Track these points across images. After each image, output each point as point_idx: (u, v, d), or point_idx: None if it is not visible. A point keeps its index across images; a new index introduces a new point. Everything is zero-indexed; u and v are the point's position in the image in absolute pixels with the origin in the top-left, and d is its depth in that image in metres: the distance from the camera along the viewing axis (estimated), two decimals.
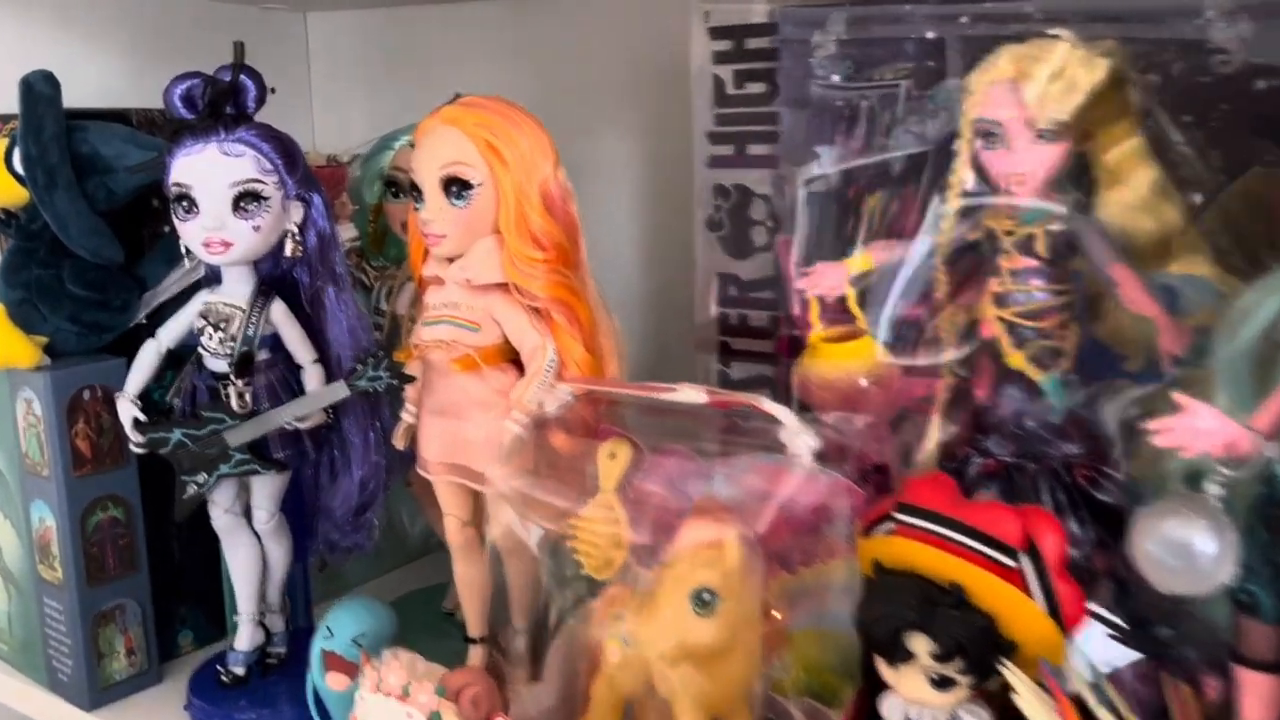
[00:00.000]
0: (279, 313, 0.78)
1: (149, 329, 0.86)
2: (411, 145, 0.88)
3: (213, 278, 0.81)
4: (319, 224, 0.79)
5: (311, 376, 0.79)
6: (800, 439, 0.58)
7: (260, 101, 0.78)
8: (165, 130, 0.78)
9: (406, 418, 0.79)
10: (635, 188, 1.07)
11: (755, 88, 0.69)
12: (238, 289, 0.78)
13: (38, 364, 0.81)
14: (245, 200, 0.74)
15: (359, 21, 1.25)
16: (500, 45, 1.14)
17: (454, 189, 0.71)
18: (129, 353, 0.85)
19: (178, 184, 0.75)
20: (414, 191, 0.74)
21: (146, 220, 0.90)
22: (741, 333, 0.72)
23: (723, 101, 0.71)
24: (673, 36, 0.99)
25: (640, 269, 1.08)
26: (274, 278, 0.80)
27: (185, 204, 0.75)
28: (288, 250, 0.77)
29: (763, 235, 0.69)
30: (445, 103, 0.76)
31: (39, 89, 0.80)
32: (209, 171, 0.74)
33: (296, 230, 0.78)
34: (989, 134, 0.61)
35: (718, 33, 0.69)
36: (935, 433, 0.70)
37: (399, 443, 0.80)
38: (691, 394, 0.65)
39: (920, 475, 0.62)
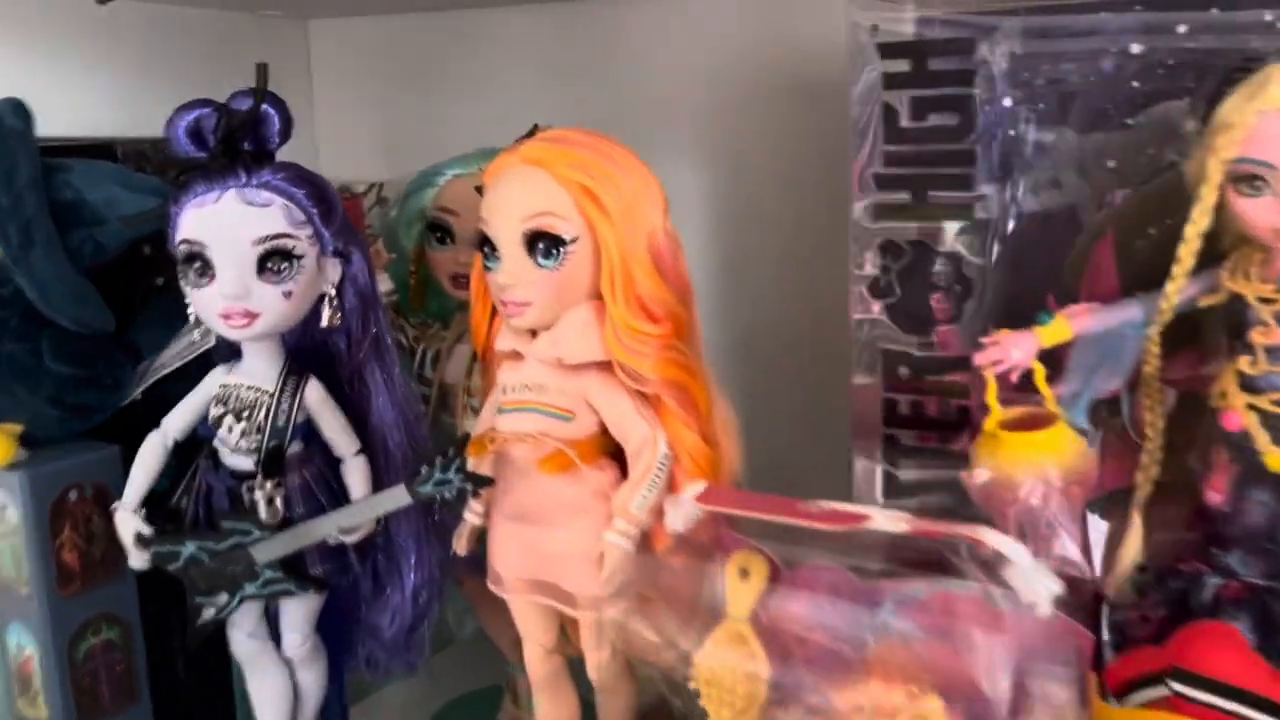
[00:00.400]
0: (315, 397, 0.63)
1: (145, 407, 0.72)
2: (458, 178, 0.74)
3: (227, 350, 0.66)
4: (360, 283, 0.65)
5: (355, 472, 0.64)
6: (1038, 583, 0.45)
7: (285, 135, 0.63)
8: (167, 170, 0.63)
9: (472, 519, 0.65)
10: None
11: (942, 119, 0.55)
12: (262, 368, 0.63)
13: (12, 460, 0.66)
14: (273, 260, 0.60)
15: (368, 30, 1.10)
16: (539, 57, 1.00)
17: (542, 247, 0.57)
18: (123, 437, 0.70)
19: (188, 241, 0.60)
20: (484, 247, 0.60)
21: (137, 272, 0.75)
22: (914, 424, 0.59)
23: (895, 136, 0.57)
24: (800, 47, 0.85)
25: (772, 342, 0.93)
26: (304, 349, 0.65)
27: (198, 266, 0.60)
28: (325, 319, 0.63)
29: (948, 301, 0.56)
30: (523, 136, 0.61)
31: (8, 123, 0.65)
32: (228, 226, 0.59)
33: (335, 293, 0.63)
34: (1253, 178, 0.48)
35: (891, 51, 0.55)
36: (1136, 539, 0.57)
37: (461, 548, 0.66)
38: (886, 521, 0.50)
39: (1197, 627, 0.48)
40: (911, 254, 0.57)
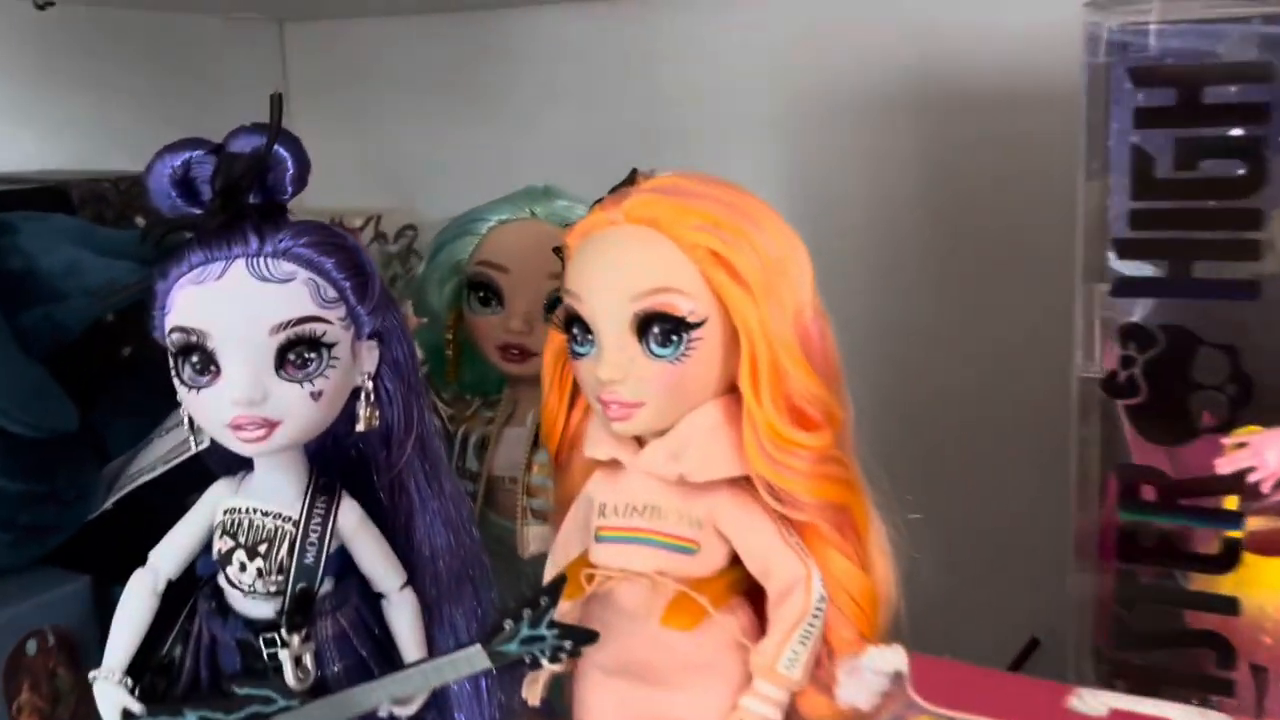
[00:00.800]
0: (351, 521, 0.49)
1: (116, 513, 0.57)
2: (505, 225, 0.60)
3: (230, 456, 0.51)
4: (402, 369, 0.51)
5: (403, 611, 0.50)
6: None
7: (301, 183, 0.49)
8: (134, 218, 0.48)
9: (548, 664, 0.51)
10: None
11: (1219, 167, 0.42)
12: (281, 486, 0.49)
13: None
14: (297, 352, 0.46)
15: (355, 35, 0.95)
16: (563, 64, 0.86)
17: (658, 332, 0.44)
18: (88, 558, 0.56)
19: (184, 330, 0.45)
20: (572, 328, 0.46)
21: (96, 340, 0.60)
22: (1165, 556, 0.46)
23: (1150, 189, 0.44)
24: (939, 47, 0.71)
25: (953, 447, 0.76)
26: (326, 454, 0.51)
27: (196, 361, 0.46)
28: (361, 421, 0.49)
29: (1218, 405, 0.43)
30: (620, 184, 0.48)
31: None
32: (237, 308, 0.45)
33: (371, 385, 0.49)
34: None
35: (1147, 76, 0.42)
36: None
37: (534, 698, 0.52)
38: (1093, 700, 0.38)
39: None
40: (1166, 342, 0.44)
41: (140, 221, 0.66)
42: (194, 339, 0.45)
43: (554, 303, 0.60)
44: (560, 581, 0.45)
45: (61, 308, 0.51)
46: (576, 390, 0.51)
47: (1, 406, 0.49)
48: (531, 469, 0.59)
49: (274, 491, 0.49)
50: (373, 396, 0.49)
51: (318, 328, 0.46)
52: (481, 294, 0.60)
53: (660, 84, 0.82)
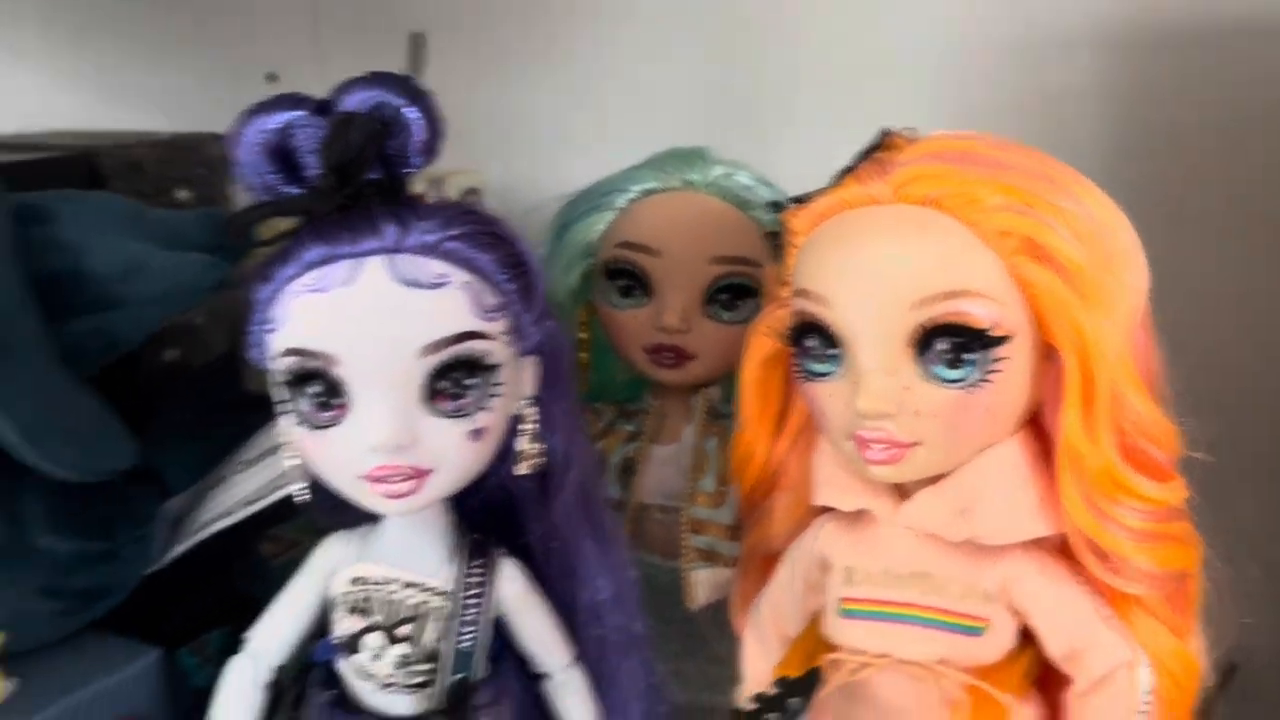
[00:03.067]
0: (515, 589, 0.38)
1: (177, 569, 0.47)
2: (651, 197, 0.49)
3: (337, 501, 0.40)
4: (562, 386, 0.39)
5: (573, 693, 0.40)
6: None
7: (430, 153, 0.37)
8: (243, 217, 0.36)
9: None
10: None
11: None
12: (423, 547, 0.37)
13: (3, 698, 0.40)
14: (454, 378, 0.34)
15: None
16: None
17: (947, 351, 0.33)
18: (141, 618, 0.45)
19: (303, 352, 0.34)
20: (805, 338, 0.35)
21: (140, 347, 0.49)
22: None
23: None
24: None
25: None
26: (463, 501, 0.40)
27: (318, 393, 0.34)
28: (523, 461, 0.38)
29: None
30: (869, 148, 0.36)
31: None
32: (377, 325, 0.34)
33: (533, 412, 0.38)
34: None
35: None
36: None
37: None
38: None
39: None
40: None
41: (183, 195, 0.54)
42: (317, 364, 0.34)
43: (719, 291, 0.48)
44: (814, 676, 0.35)
45: (117, 317, 0.39)
46: (783, 413, 0.40)
47: (46, 448, 0.37)
48: (695, 499, 0.48)
49: (414, 555, 0.38)
50: (535, 426, 0.38)
51: (479, 346, 0.35)
52: (622, 283, 0.49)
53: (782, 20, 0.69)
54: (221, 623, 0.50)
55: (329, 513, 0.41)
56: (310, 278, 0.34)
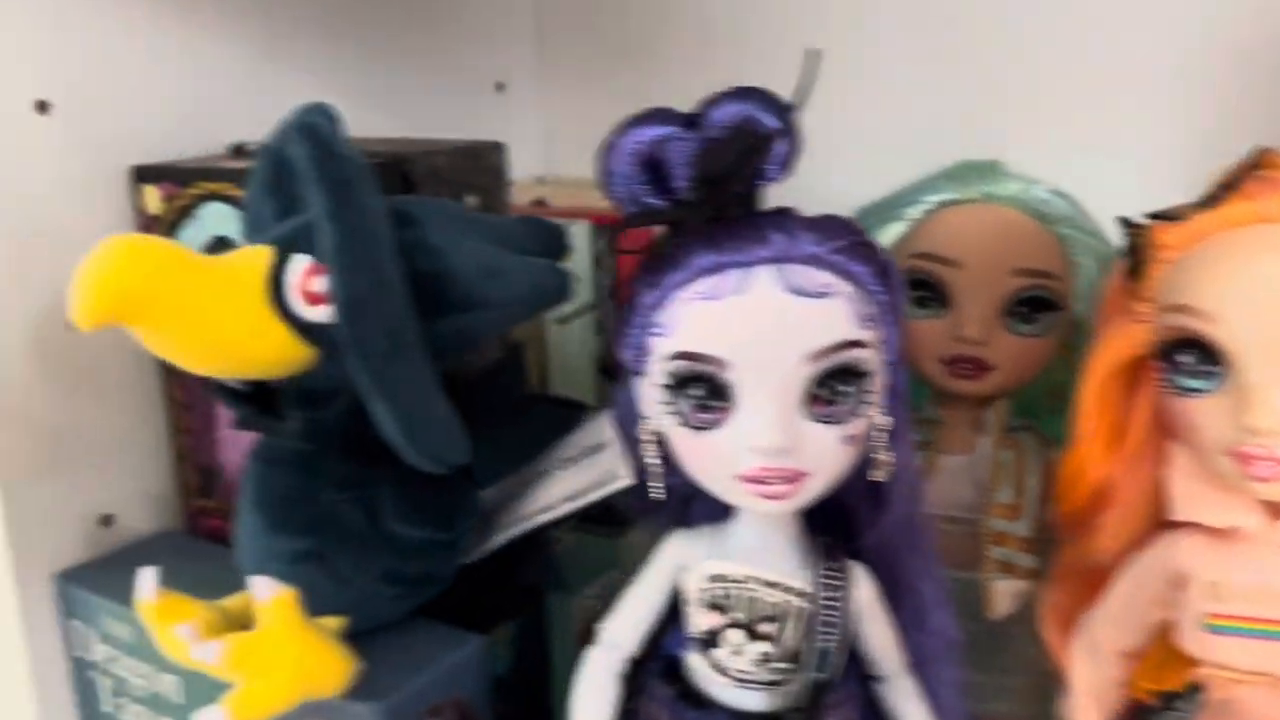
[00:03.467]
0: (867, 594, 0.39)
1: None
2: (949, 208, 0.49)
3: (686, 502, 0.41)
4: (900, 395, 0.40)
5: (907, 695, 0.40)
6: None
7: (789, 167, 0.38)
8: (627, 224, 0.38)
9: None
10: None
11: None
12: (781, 548, 0.39)
13: (347, 681, 0.42)
14: (832, 385, 0.35)
15: None
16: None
17: None
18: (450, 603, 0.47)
19: (695, 356, 0.35)
20: (1180, 355, 0.35)
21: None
22: None
23: None
24: None
25: None
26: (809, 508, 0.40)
27: (702, 394, 0.36)
28: (880, 468, 0.38)
29: None
30: (1246, 165, 0.36)
31: (335, 146, 0.39)
32: (768, 331, 0.35)
33: (888, 421, 0.38)
34: None
35: None
36: None
37: None
38: None
39: None
40: None
41: (471, 201, 0.56)
42: (706, 368, 0.35)
43: (1019, 304, 0.49)
44: (1196, 690, 0.35)
45: (478, 318, 0.41)
46: (1121, 430, 0.41)
47: (421, 441, 0.39)
48: (991, 511, 0.49)
49: (771, 555, 0.39)
50: (889, 435, 0.39)
51: (859, 354, 0.36)
52: (919, 294, 0.49)
53: (1004, 25, 0.69)
54: (515, 613, 0.52)
55: (668, 510, 0.43)
56: (702, 285, 0.35)
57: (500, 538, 0.47)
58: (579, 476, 0.45)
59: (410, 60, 0.73)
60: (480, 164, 0.57)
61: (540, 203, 0.77)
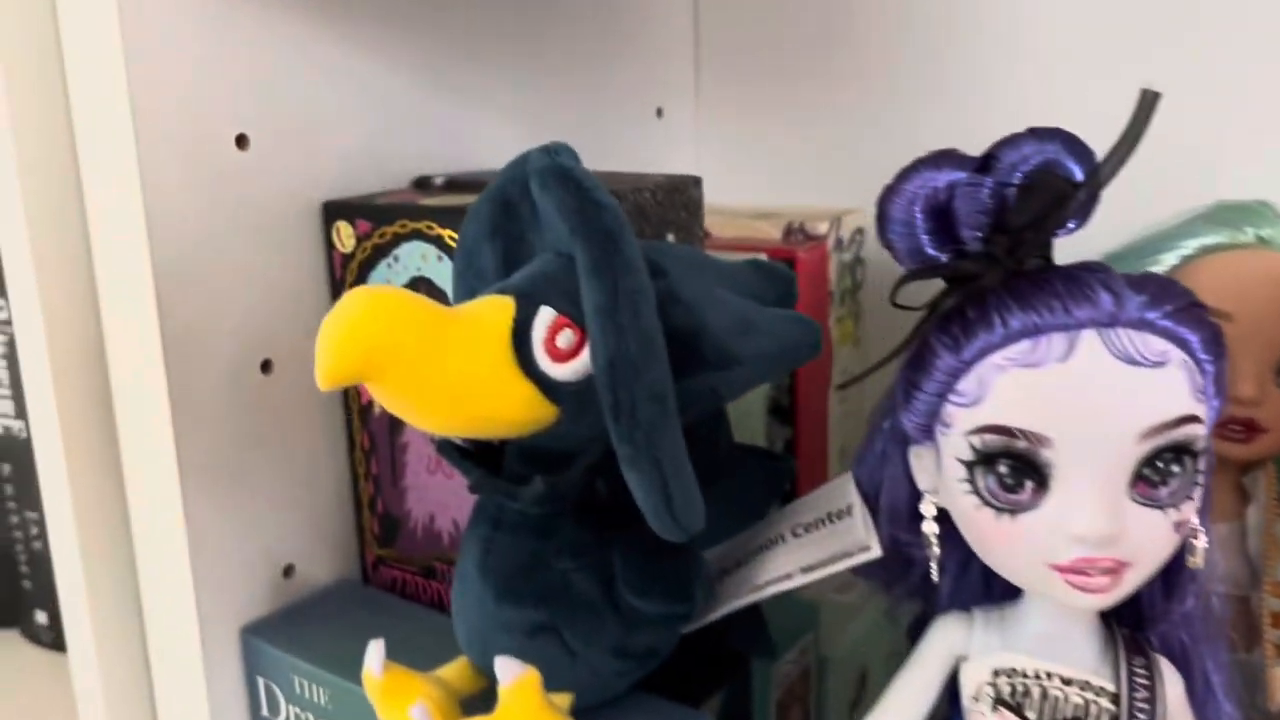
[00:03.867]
0: (1177, 691, 0.35)
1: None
2: (1213, 254, 0.45)
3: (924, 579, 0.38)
4: (1208, 472, 0.36)
5: None
6: None
7: (1086, 216, 0.35)
8: (909, 279, 0.35)
9: None
10: None
11: None
12: (1078, 640, 0.35)
13: None
14: (1161, 464, 0.32)
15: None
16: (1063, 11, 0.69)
17: None
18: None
19: (1012, 431, 0.32)
20: None
21: None
22: None
23: None
24: None
25: None
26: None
27: (1011, 472, 0.32)
28: (1196, 555, 0.34)
29: None
30: None
31: (595, 194, 0.36)
32: (1098, 405, 0.31)
33: (1200, 497, 0.34)
34: None
35: None
36: None
37: None
38: None
39: None
40: None
41: (670, 237, 0.53)
42: (1024, 445, 0.31)
43: None
44: None
45: (729, 377, 0.38)
46: None
47: (679, 512, 0.36)
48: (1268, 589, 0.44)
49: (1069, 649, 0.35)
50: (1200, 521, 0.35)
51: (1194, 430, 0.32)
52: None
53: (1210, 49, 0.64)
54: (724, 683, 0.49)
55: (912, 585, 0.39)
56: (1017, 350, 0.32)
57: (727, 607, 0.44)
58: (820, 546, 0.42)
59: (575, 88, 0.71)
60: (680, 198, 0.54)
61: (704, 234, 0.74)
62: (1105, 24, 0.68)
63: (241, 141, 0.48)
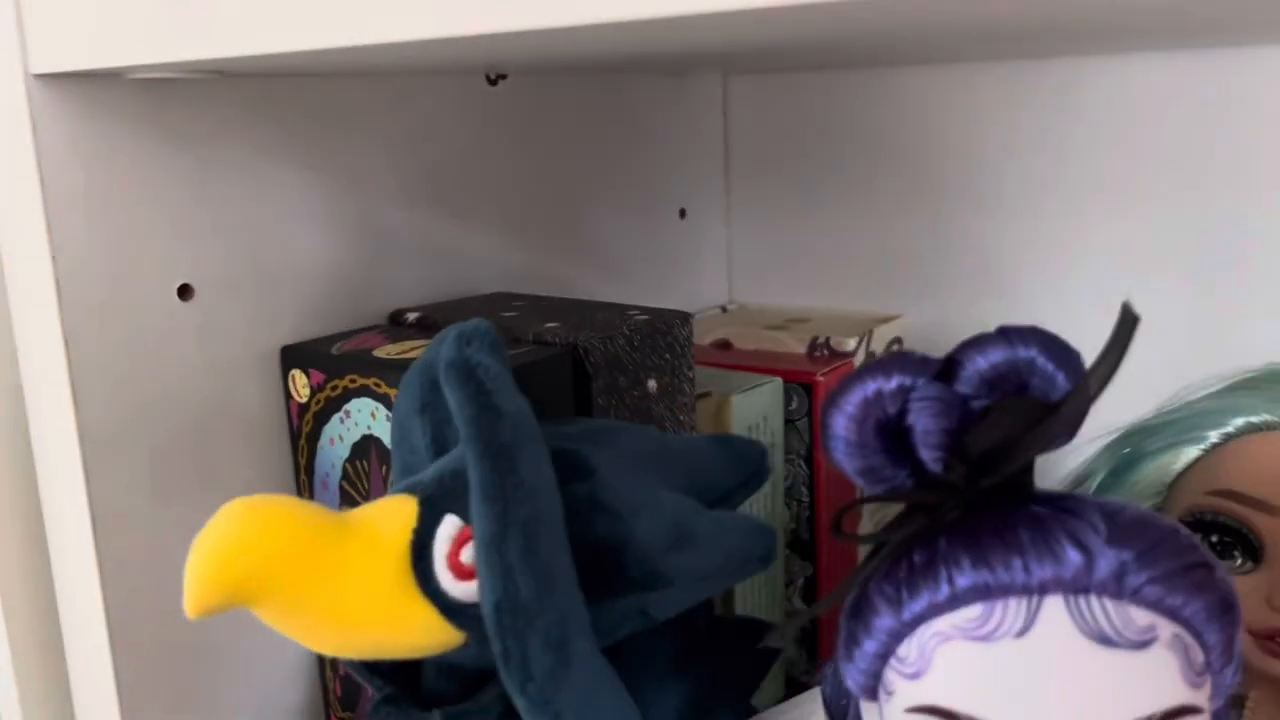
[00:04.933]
0: None
1: None
2: (1258, 434, 0.38)
3: None
4: None
5: None
6: None
7: (1071, 435, 0.29)
8: (860, 502, 0.30)
9: None
10: None
11: None
12: None
13: None
14: None
15: (810, 87, 0.75)
16: (1126, 115, 0.63)
17: None
18: None
19: (946, 713, 0.26)
20: None
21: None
22: None
23: None
24: None
25: None
26: None
27: None
28: None
29: None
30: None
31: (495, 398, 0.32)
32: (1055, 693, 0.25)
33: None
34: None
35: None
36: None
37: None
38: None
39: None
40: None
41: (652, 386, 0.48)
42: None
43: None
44: None
45: (659, 598, 0.33)
46: None
47: None
48: None
49: None
50: None
51: None
52: (1219, 541, 0.39)
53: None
54: None
55: None
56: (965, 617, 0.26)
57: None
58: None
59: (593, 188, 0.67)
60: (663, 340, 0.49)
61: (725, 344, 0.69)
62: (1143, 147, 0.62)
63: (184, 292, 0.45)
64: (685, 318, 0.50)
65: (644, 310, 0.51)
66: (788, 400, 0.61)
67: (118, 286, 0.43)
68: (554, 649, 0.30)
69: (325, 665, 0.51)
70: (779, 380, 0.60)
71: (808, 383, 0.61)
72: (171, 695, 0.46)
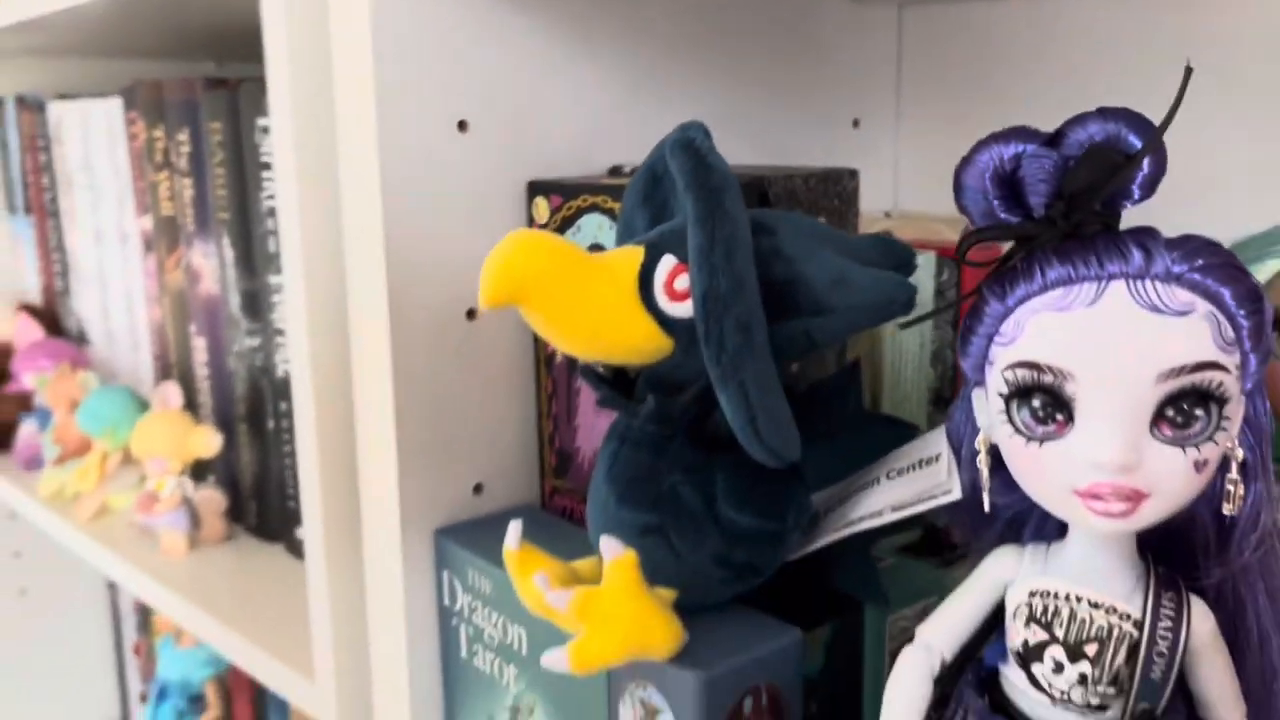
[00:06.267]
0: (1206, 630, 0.38)
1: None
2: None
3: (1008, 526, 0.42)
4: (1257, 429, 0.38)
5: None
6: None
7: (1151, 189, 0.38)
8: (972, 239, 0.40)
9: None
10: None
11: None
12: (1112, 570, 0.38)
13: (676, 648, 0.45)
14: (1184, 407, 0.35)
15: (982, 19, 0.84)
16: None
17: None
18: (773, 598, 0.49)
19: (1037, 366, 0.36)
20: None
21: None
22: None
23: None
24: None
25: None
26: (1147, 535, 0.39)
27: (1042, 406, 0.36)
28: (1229, 501, 0.37)
29: None
30: None
31: (709, 159, 0.44)
32: (1119, 346, 0.35)
33: (1244, 452, 0.37)
34: None
35: None
36: None
37: None
38: None
39: None
40: None
41: (822, 220, 0.59)
42: (1049, 379, 0.36)
43: None
44: None
45: (822, 323, 0.44)
46: None
47: (764, 434, 0.42)
48: None
49: (1101, 576, 0.38)
50: (1242, 466, 0.37)
51: (1215, 377, 0.35)
52: None
53: None
54: (831, 618, 0.54)
55: (996, 533, 0.43)
56: (1051, 296, 0.36)
57: (824, 539, 0.49)
58: (908, 487, 0.47)
59: (773, 94, 0.78)
60: (833, 188, 0.60)
61: (885, 234, 0.78)
62: None
63: (463, 126, 0.59)
64: (853, 173, 0.60)
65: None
66: (939, 272, 0.70)
67: (419, 113, 0.57)
68: (742, 330, 0.41)
69: (544, 439, 0.63)
70: (932, 253, 0.70)
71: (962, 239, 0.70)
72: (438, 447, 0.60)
